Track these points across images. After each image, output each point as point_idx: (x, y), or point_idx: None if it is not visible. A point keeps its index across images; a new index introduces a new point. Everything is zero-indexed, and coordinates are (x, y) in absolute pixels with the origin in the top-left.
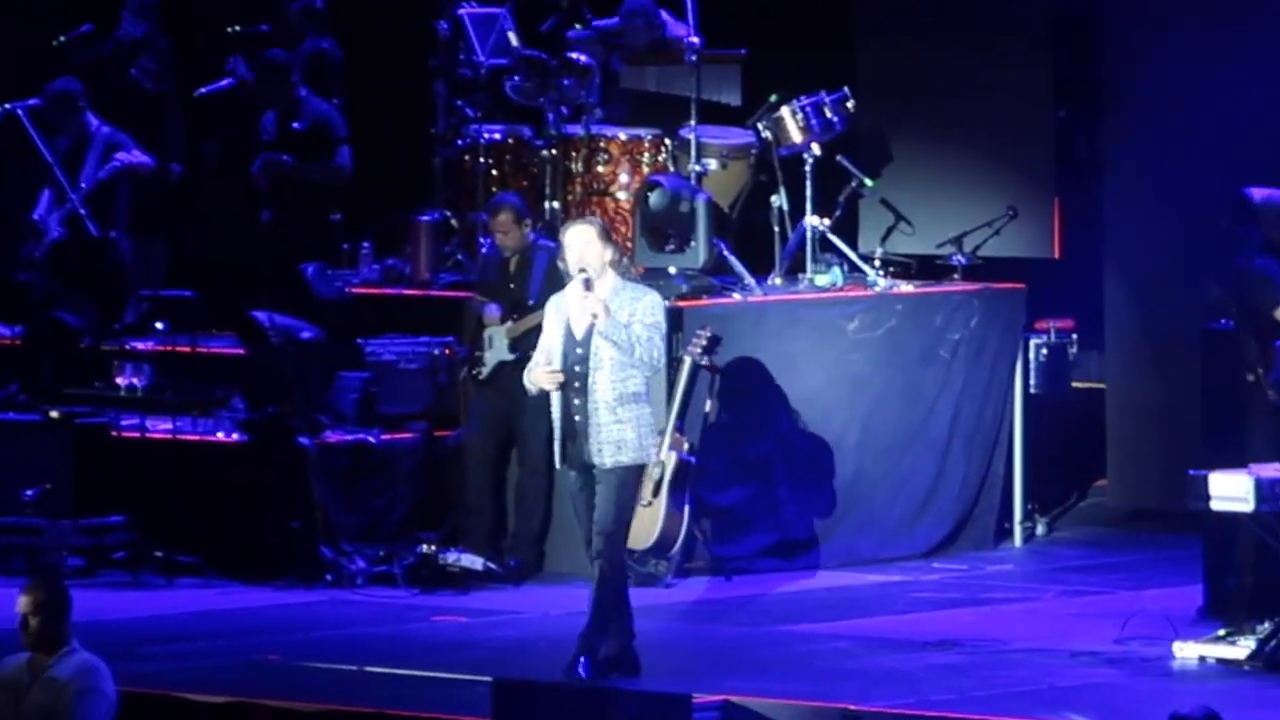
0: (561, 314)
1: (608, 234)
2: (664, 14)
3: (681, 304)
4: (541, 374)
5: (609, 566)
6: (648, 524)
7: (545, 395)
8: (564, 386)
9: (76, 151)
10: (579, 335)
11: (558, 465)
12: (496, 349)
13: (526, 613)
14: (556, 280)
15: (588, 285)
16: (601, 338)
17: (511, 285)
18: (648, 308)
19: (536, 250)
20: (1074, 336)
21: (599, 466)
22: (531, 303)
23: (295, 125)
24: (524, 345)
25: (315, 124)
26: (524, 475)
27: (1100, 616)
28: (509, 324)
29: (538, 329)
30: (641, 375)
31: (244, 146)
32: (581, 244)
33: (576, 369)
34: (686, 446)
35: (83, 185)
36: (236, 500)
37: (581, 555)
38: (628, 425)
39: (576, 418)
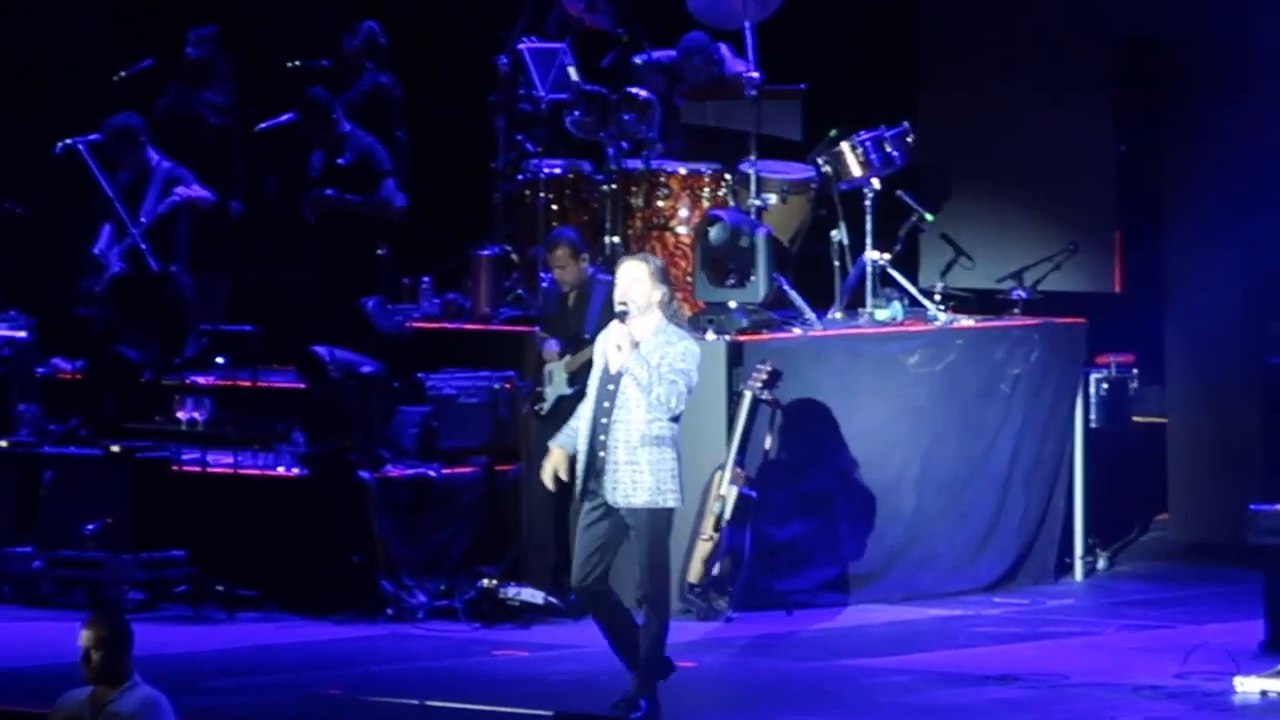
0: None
1: (663, 275)
2: (723, 49)
3: (741, 339)
4: (544, 474)
5: (651, 609)
6: (708, 559)
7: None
8: (592, 422)
9: (137, 186)
10: (612, 370)
11: (577, 498)
12: (556, 384)
13: (587, 647)
14: (613, 314)
15: (623, 318)
16: (627, 374)
17: (570, 320)
18: (680, 353)
19: (595, 284)
20: (1135, 371)
21: (617, 506)
22: (588, 336)
23: (340, 161)
24: (581, 379)
25: (360, 158)
26: None
27: (1161, 651)
28: (567, 358)
29: (591, 363)
30: (666, 419)
31: (300, 182)
32: (629, 280)
33: (605, 405)
34: (747, 481)
35: (143, 220)
36: (297, 534)
37: None
38: (644, 468)
39: (600, 453)
